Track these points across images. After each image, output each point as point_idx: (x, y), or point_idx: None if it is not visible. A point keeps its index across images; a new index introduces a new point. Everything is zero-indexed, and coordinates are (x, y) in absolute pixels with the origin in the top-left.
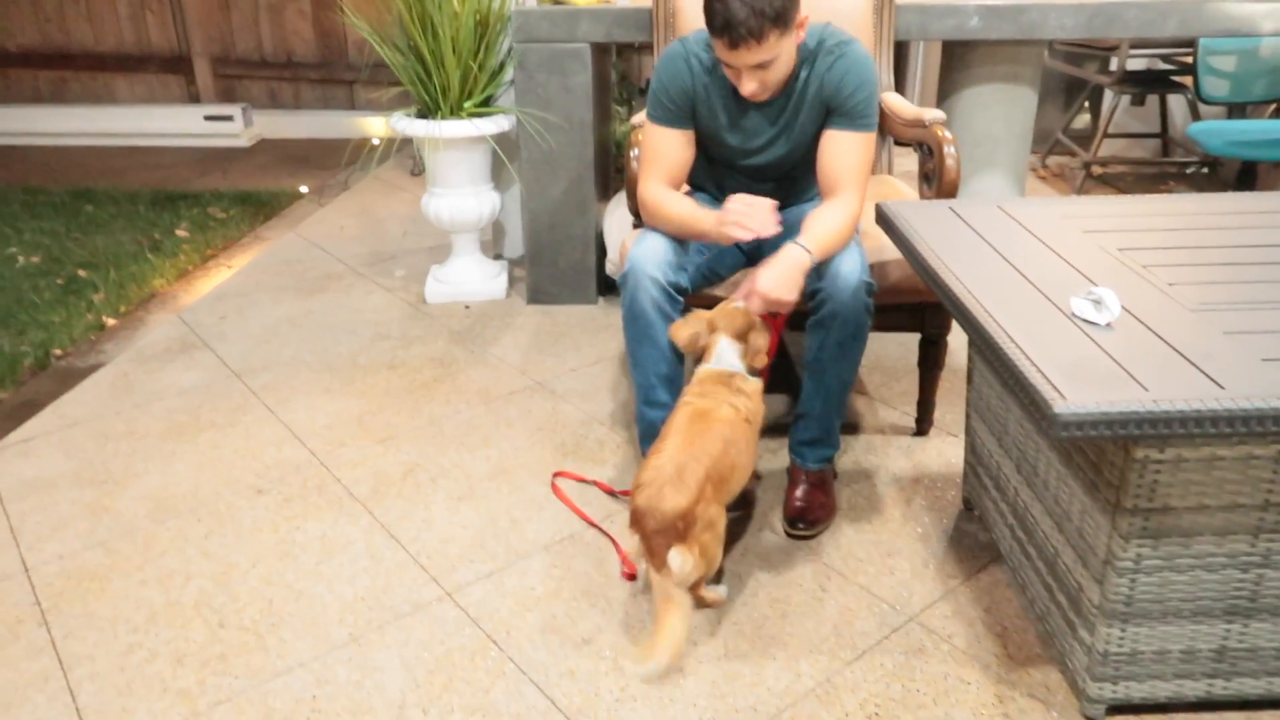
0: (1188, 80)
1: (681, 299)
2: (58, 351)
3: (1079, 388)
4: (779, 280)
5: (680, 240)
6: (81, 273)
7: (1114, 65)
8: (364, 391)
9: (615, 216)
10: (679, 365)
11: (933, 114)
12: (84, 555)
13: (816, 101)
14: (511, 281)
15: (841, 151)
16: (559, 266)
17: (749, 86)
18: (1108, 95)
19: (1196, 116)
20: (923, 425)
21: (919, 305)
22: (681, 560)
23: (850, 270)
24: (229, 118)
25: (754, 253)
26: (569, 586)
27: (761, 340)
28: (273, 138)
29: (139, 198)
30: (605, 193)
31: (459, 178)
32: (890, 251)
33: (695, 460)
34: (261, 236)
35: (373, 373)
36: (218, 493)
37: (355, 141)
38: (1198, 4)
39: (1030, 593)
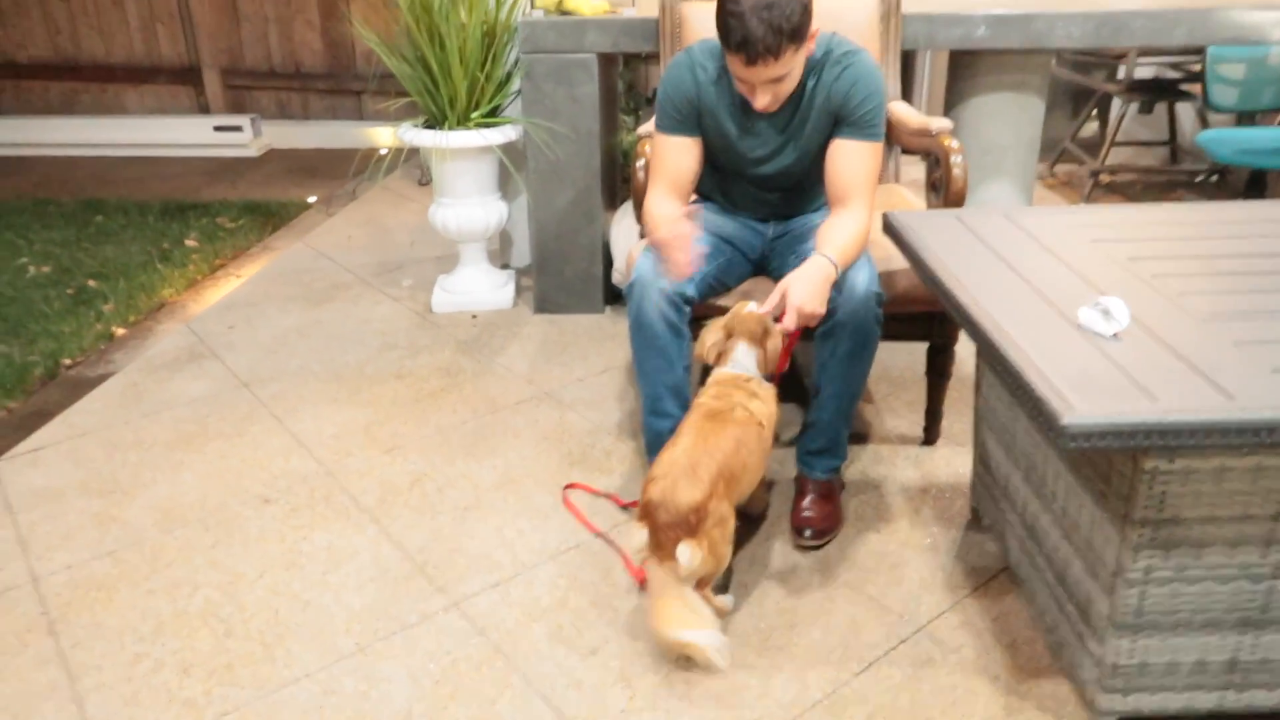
0: (1196, 88)
1: (688, 309)
2: (67, 361)
3: (1087, 398)
4: (812, 293)
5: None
6: (91, 283)
7: (1122, 73)
8: (371, 401)
9: (622, 226)
10: (685, 375)
11: (940, 123)
12: (92, 565)
13: (824, 111)
14: (518, 291)
15: (850, 161)
16: (566, 276)
17: (763, 100)
18: (1116, 103)
19: (1205, 124)
20: (930, 435)
21: (926, 314)
22: (690, 554)
23: (861, 281)
24: (238, 128)
25: (761, 262)
26: (576, 597)
27: (776, 344)
28: (281, 148)
29: (149, 208)
30: (612, 202)
31: (466, 188)
32: (898, 261)
33: (709, 456)
34: (270, 246)
35: (380, 382)
36: (225, 502)
37: (363, 152)
38: (1206, 12)
39: (1039, 604)
